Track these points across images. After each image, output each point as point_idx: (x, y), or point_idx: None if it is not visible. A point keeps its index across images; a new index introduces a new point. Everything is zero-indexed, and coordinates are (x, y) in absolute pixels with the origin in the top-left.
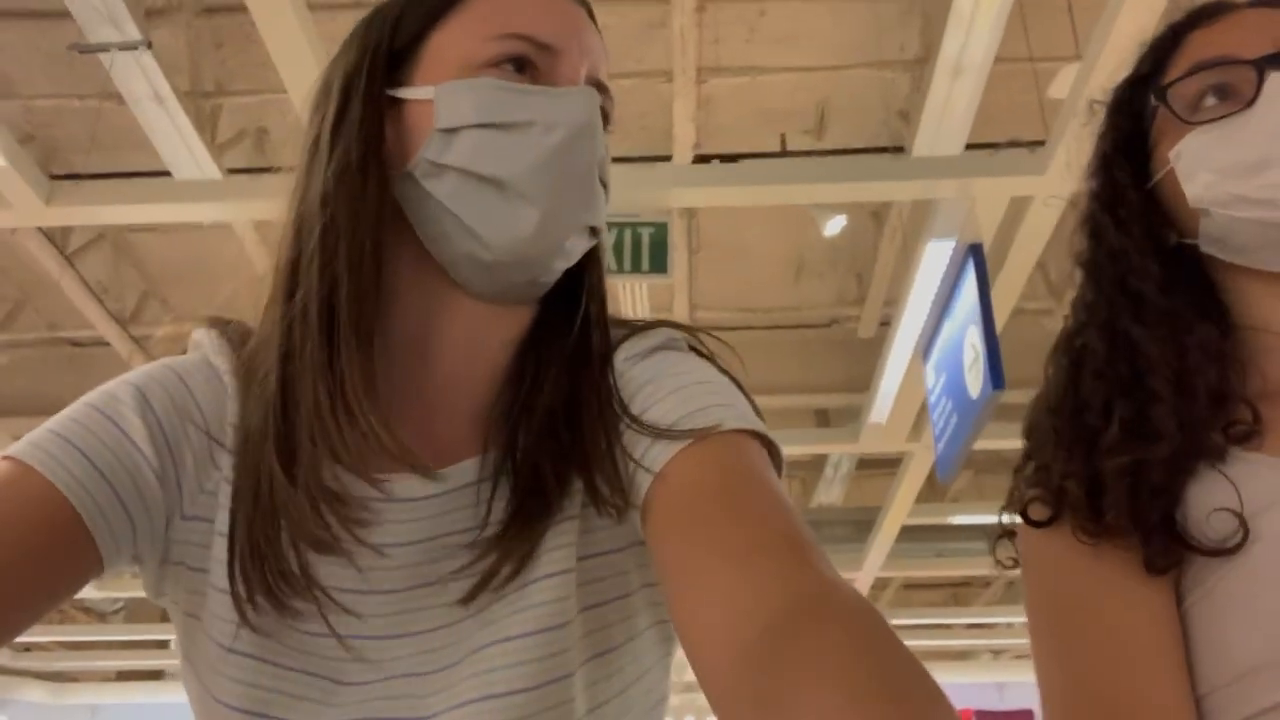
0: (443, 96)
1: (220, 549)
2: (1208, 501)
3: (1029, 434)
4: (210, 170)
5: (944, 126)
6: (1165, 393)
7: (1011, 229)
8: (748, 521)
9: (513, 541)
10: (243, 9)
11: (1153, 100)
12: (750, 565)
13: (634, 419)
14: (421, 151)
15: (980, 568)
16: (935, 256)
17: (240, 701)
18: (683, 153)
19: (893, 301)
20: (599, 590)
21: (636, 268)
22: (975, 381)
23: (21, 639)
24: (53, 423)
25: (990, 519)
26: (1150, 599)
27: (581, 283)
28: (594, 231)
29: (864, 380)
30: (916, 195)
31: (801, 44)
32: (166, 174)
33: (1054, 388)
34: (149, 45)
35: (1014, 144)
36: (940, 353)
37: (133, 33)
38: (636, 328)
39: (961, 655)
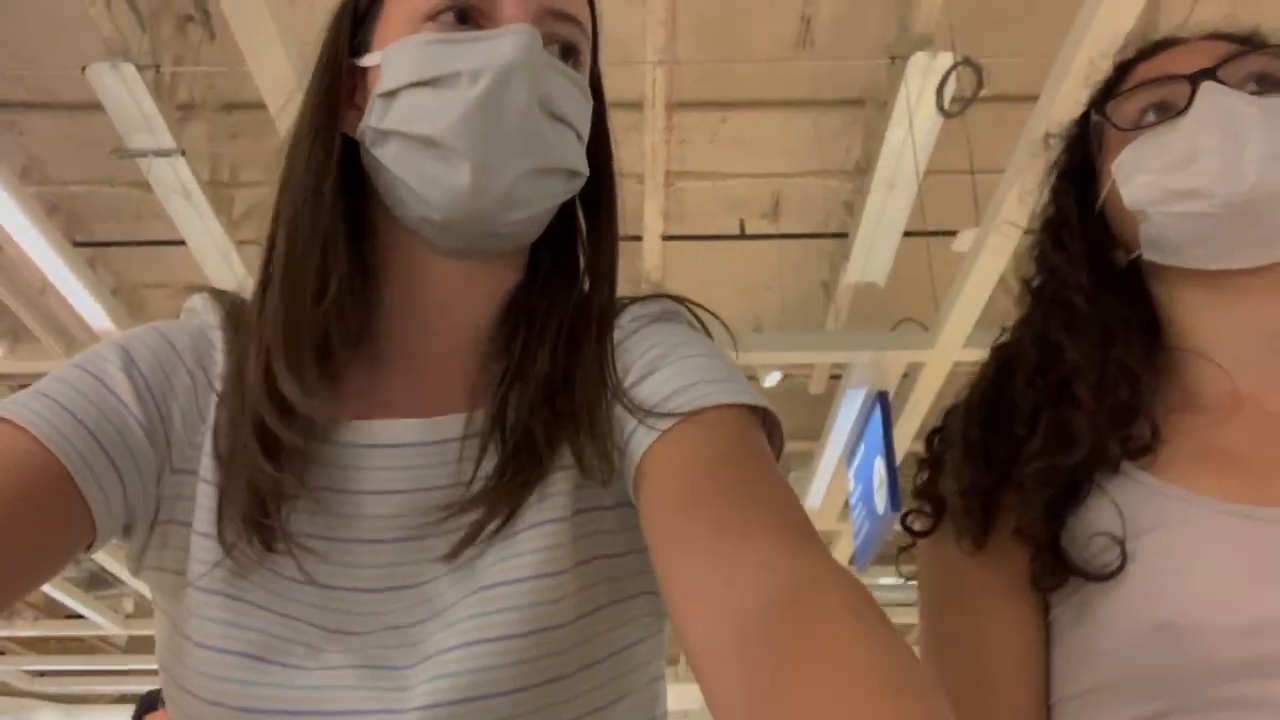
0: (386, 60)
1: (206, 495)
2: (1091, 523)
3: (933, 439)
4: (223, 243)
5: (880, 228)
6: (1088, 401)
7: (912, 382)
8: (745, 501)
9: (499, 497)
10: (260, 106)
11: (1094, 117)
12: (747, 545)
13: (628, 398)
14: (366, 119)
15: (898, 618)
16: (852, 399)
17: (215, 640)
18: (652, 241)
19: (840, 364)
20: (592, 545)
21: None
22: (881, 500)
23: (36, 667)
24: (39, 384)
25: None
26: (1019, 609)
27: (593, 235)
28: (570, 175)
29: (815, 430)
30: (836, 360)
31: (759, 147)
32: (181, 243)
33: (977, 396)
34: (182, 153)
35: (911, 320)
36: (858, 465)
37: (167, 139)
38: (640, 296)
39: None
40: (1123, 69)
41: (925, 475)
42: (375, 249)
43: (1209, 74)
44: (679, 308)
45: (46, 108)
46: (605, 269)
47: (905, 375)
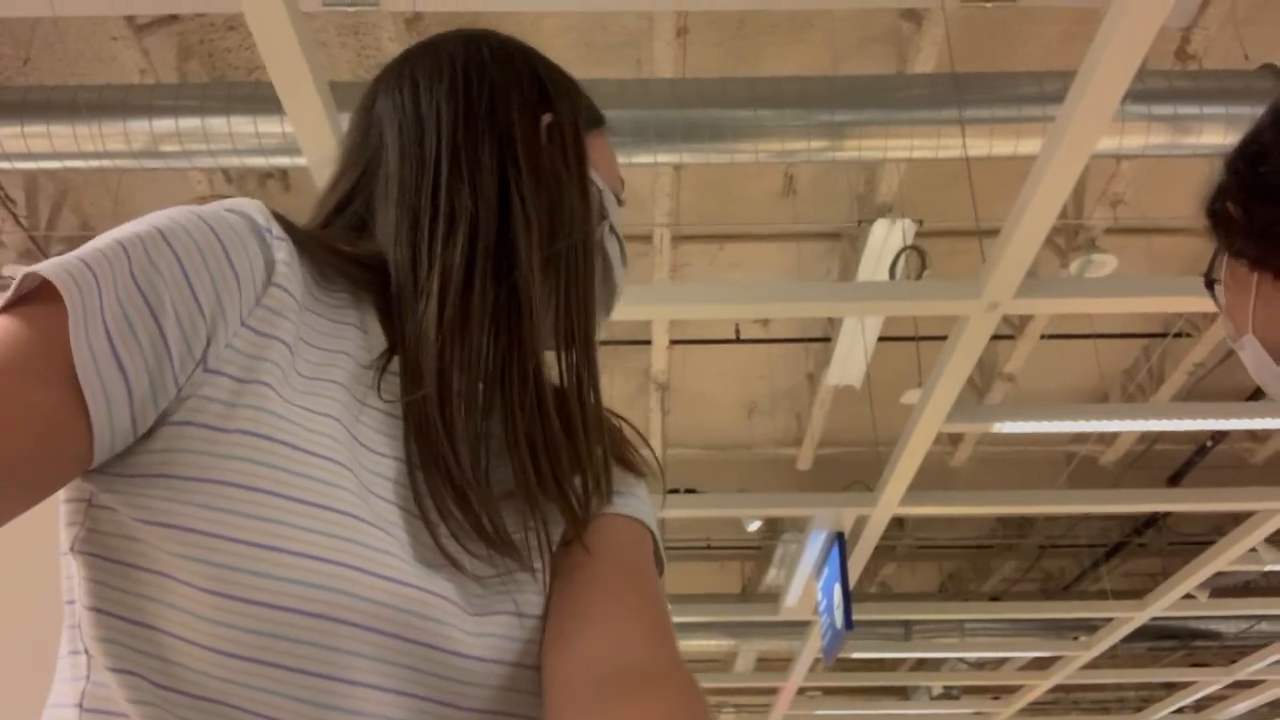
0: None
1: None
2: None
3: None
4: None
5: (854, 346)
6: None
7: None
8: (634, 600)
9: None
10: None
11: None
12: (623, 633)
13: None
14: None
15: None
16: (816, 537)
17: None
18: (659, 348)
19: (825, 443)
20: None
21: None
22: (839, 617)
23: None
24: (107, 294)
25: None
26: None
27: None
28: None
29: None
30: (803, 512)
31: (751, 270)
32: None
33: None
34: None
35: (858, 483)
36: (824, 582)
37: None
38: None
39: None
40: None
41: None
42: None
43: None
44: None
45: None
46: None
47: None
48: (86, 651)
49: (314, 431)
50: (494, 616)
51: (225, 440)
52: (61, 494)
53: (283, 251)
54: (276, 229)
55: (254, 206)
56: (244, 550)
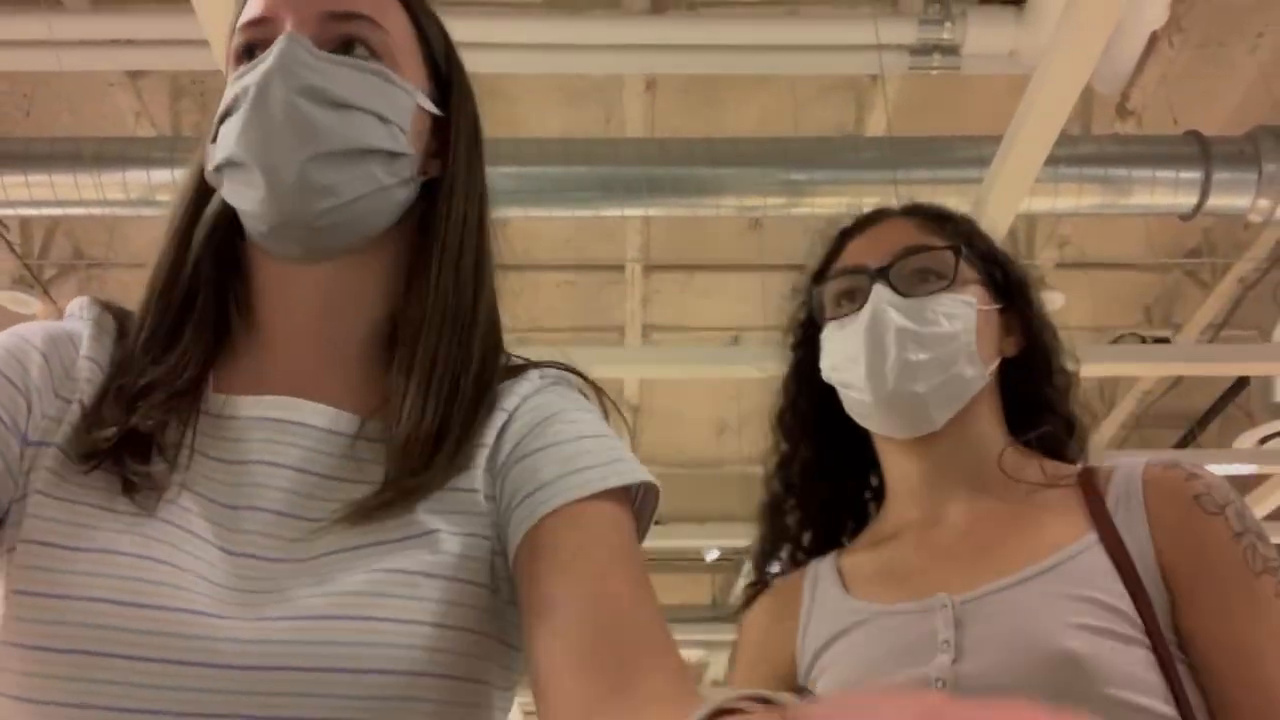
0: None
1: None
2: None
3: None
4: None
5: None
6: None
7: None
8: (607, 600)
9: (396, 492)
10: None
11: (814, 288)
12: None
13: (515, 472)
14: (207, 164)
15: None
16: None
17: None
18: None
19: None
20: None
21: None
22: None
23: None
24: None
25: None
26: None
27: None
28: (385, 155)
29: None
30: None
31: (720, 297)
32: None
33: None
34: None
35: None
36: None
37: None
38: (538, 362)
39: None
40: (841, 236)
41: None
42: (250, 271)
43: (884, 272)
44: (572, 377)
45: (137, 266)
46: (450, 256)
47: None
48: None
49: (86, 482)
50: (268, 622)
51: (34, 502)
52: None
53: (88, 328)
54: (88, 312)
55: (75, 301)
56: (41, 602)
